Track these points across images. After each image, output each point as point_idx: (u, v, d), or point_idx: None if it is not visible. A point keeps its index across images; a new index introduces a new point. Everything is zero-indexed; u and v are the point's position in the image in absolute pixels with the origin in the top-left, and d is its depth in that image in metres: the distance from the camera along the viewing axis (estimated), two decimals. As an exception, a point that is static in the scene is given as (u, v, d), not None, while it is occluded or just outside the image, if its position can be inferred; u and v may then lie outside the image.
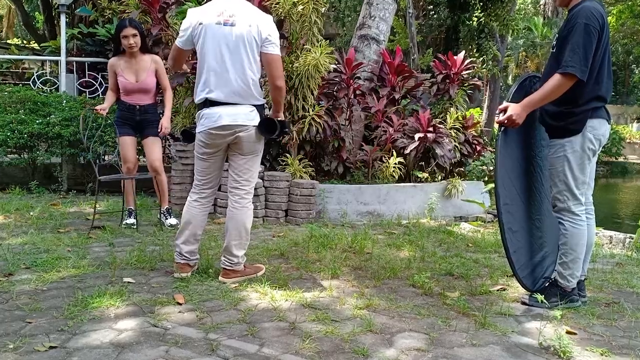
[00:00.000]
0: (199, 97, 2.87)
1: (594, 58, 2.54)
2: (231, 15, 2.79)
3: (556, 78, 2.54)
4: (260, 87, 3.01)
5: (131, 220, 4.41)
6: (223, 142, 2.88)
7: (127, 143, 4.37)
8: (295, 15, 5.06)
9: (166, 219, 4.52)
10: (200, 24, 2.79)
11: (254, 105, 2.87)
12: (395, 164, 5.49)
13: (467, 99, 6.69)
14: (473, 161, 6.15)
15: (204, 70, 2.83)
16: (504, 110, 2.71)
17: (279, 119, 2.94)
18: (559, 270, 2.73)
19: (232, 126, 2.82)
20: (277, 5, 5.08)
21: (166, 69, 4.42)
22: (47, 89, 7.11)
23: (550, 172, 2.74)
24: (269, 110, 3.13)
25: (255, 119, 2.86)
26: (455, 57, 6.38)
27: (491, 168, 6.15)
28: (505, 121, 2.69)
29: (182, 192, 5.17)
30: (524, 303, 2.77)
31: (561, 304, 2.69)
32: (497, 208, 2.74)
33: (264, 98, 3.06)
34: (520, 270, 2.77)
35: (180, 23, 6.07)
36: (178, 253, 3.01)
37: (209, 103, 2.83)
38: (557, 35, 2.69)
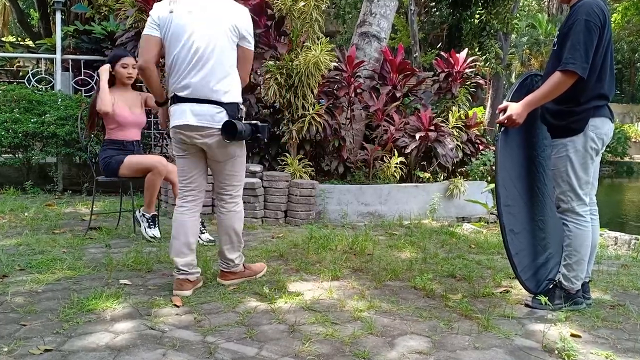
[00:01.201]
0: (170, 92, 2.74)
1: (595, 55, 2.53)
2: (204, 4, 2.66)
3: (557, 76, 2.54)
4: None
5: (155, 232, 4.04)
6: (192, 142, 2.72)
7: (133, 156, 3.98)
8: (296, 12, 5.06)
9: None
10: (171, 12, 2.64)
11: (223, 104, 2.67)
12: (397, 163, 5.49)
13: (469, 98, 6.69)
14: (476, 160, 6.15)
15: (171, 63, 2.68)
16: (504, 110, 2.71)
17: (252, 122, 2.75)
18: (563, 272, 2.73)
19: (198, 127, 2.66)
20: (278, 2, 5.09)
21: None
22: (42, 88, 7.11)
23: (552, 172, 2.74)
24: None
25: (223, 120, 2.65)
26: (457, 55, 6.38)
27: (492, 167, 6.15)
28: (505, 121, 2.69)
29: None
30: (527, 305, 2.77)
31: (565, 307, 2.69)
32: (498, 209, 2.74)
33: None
34: (522, 273, 2.77)
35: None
36: (175, 268, 2.81)
37: (176, 99, 2.69)
38: (558, 32, 2.69)
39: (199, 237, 3.85)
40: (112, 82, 4.03)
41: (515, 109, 2.66)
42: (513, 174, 2.85)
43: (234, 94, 2.72)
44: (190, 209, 2.84)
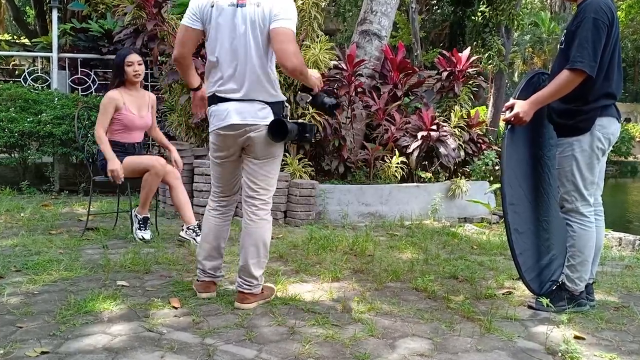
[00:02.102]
0: (208, 91, 2.60)
1: (603, 53, 2.53)
2: None
3: (564, 74, 2.53)
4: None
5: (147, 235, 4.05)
6: (234, 143, 2.59)
7: (131, 157, 3.96)
8: (294, 10, 5.06)
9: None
10: (212, 5, 2.47)
11: (268, 103, 2.54)
12: (398, 163, 5.49)
13: (472, 97, 6.69)
14: (479, 160, 6.15)
15: (212, 60, 2.53)
16: (511, 108, 2.71)
17: (299, 121, 2.63)
18: (567, 273, 2.73)
19: (242, 125, 2.52)
20: None
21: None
22: (38, 86, 7.11)
23: (558, 171, 2.74)
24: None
25: (268, 117, 2.53)
26: (460, 54, 6.38)
27: (495, 167, 6.15)
28: (512, 119, 2.69)
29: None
30: (530, 307, 2.77)
31: (569, 308, 2.69)
32: (503, 208, 2.74)
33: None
34: (526, 273, 2.77)
35: (177, 18, 6.04)
36: (201, 270, 2.75)
37: (217, 99, 2.55)
38: (565, 30, 2.69)
39: (195, 238, 3.86)
40: (122, 82, 3.97)
41: (522, 106, 2.66)
42: (519, 172, 2.85)
43: (278, 92, 2.59)
44: (224, 213, 2.78)
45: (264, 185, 2.65)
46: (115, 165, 3.76)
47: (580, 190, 2.65)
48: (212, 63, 2.54)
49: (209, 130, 2.64)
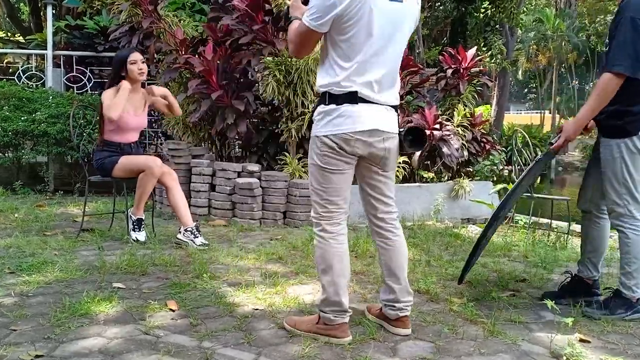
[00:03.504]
0: (341, 88, 2.18)
1: None
2: None
3: (603, 79, 2.50)
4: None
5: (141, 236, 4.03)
6: (365, 151, 2.24)
7: (127, 156, 3.97)
8: (294, 7, 5.06)
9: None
10: None
11: (395, 106, 2.32)
12: (400, 163, 5.49)
13: (475, 96, 6.69)
14: (483, 159, 6.15)
15: (357, 55, 2.16)
16: (560, 131, 2.71)
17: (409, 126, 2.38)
18: (623, 280, 2.70)
19: (384, 132, 2.24)
20: (277, -5, 5.09)
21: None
22: (32, 84, 7.12)
23: (604, 174, 2.69)
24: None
25: (395, 123, 2.31)
26: (465, 52, 6.38)
27: (500, 168, 6.16)
28: (562, 144, 2.68)
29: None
30: (585, 314, 2.73)
31: (628, 315, 2.67)
32: (499, 215, 2.76)
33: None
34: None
35: (173, 15, 6.00)
36: (339, 311, 2.29)
37: (357, 98, 2.19)
38: (608, 32, 2.66)
39: (193, 240, 3.86)
40: (123, 79, 3.96)
41: (570, 130, 2.65)
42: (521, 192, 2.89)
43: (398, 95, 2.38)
44: (345, 235, 2.37)
45: (393, 197, 2.46)
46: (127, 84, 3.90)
47: (633, 192, 2.60)
48: (352, 56, 2.21)
49: (331, 133, 2.21)
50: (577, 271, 2.98)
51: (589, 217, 2.91)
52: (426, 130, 2.32)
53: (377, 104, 2.22)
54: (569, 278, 2.99)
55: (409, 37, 2.31)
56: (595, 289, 2.87)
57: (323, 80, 2.24)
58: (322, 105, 2.24)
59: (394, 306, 2.40)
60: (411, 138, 2.33)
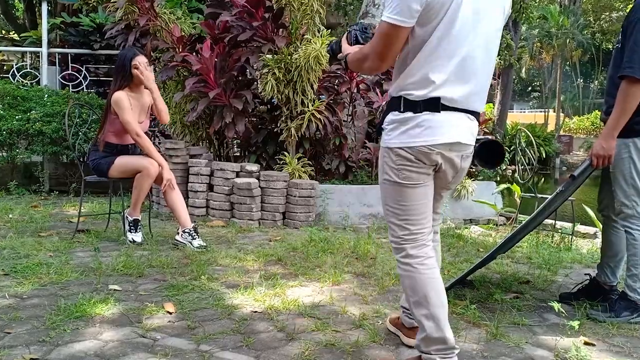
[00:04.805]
0: (420, 91, 1.89)
1: None
2: None
3: (621, 87, 2.50)
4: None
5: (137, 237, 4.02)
6: (444, 165, 1.97)
7: (124, 157, 3.97)
8: (296, 3, 5.06)
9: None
10: None
11: (478, 115, 2.04)
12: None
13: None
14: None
15: (441, 54, 1.86)
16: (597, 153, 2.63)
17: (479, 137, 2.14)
18: (629, 283, 2.70)
19: (466, 146, 1.98)
20: (278, -7, 5.09)
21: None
22: (27, 83, 7.12)
23: (613, 174, 2.69)
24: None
25: (475, 135, 2.05)
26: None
27: (503, 167, 6.15)
28: (602, 161, 2.62)
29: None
30: (589, 317, 2.73)
31: (634, 318, 2.68)
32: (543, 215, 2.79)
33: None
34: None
35: (169, 12, 5.98)
36: (444, 350, 1.93)
37: (441, 105, 1.89)
38: (621, 29, 2.65)
39: (191, 242, 3.85)
40: (128, 83, 3.92)
41: (600, 145, 2.58)
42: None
43: None
44: (434, 257, 2.03)
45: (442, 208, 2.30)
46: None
47: None
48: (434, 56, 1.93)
49: (406, 145, 1.92)
50: (596, 275, 2.98)
51: (607, 222, 2.91)
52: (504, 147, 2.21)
53: (462, 110, 1.93)
54: (588, 280, 2.99)
55: (501, 26, 2.01)
56: (612, 295, 2.85)
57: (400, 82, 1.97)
58: (396, 112, 1.95)
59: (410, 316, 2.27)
60: (485, 153, 2.12)
